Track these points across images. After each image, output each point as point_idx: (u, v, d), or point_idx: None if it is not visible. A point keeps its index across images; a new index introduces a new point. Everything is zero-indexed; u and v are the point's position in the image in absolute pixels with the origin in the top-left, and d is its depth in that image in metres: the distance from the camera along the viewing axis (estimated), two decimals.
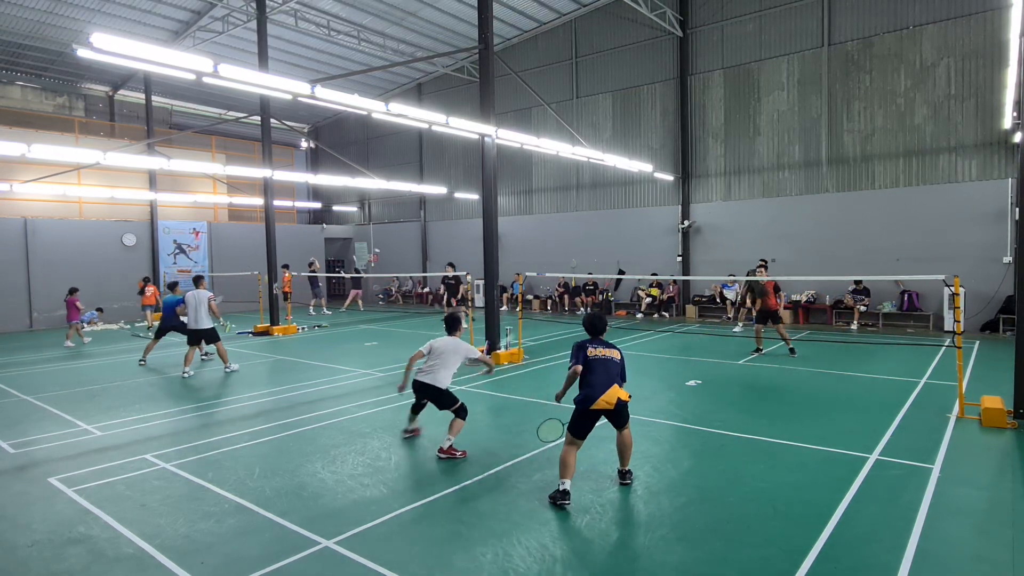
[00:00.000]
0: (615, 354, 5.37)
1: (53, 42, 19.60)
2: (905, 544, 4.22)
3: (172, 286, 12.74)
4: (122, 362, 12.69)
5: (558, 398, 5.56)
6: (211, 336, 11.32)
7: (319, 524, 4.71)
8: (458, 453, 6.26)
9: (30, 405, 8.93)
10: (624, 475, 5.49)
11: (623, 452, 5.49)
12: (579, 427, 5.18)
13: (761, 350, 12.08)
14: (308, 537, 4.51)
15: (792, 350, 11.69)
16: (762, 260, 12.31)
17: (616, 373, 5.31)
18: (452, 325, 6.80)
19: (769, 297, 11.92)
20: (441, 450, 6.27)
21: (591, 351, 5.31)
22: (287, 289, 20.32)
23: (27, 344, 15.72)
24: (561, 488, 5.01)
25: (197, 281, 11.77)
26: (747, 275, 12.98)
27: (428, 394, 6.51)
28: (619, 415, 5.30)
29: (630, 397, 5.39)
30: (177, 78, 18.09)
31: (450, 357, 6.54)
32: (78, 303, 15.04)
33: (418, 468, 6.04)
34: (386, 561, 4.15)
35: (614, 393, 5.19)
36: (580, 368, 5.25)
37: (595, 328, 5.52)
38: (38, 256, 19.30)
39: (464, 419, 6.46)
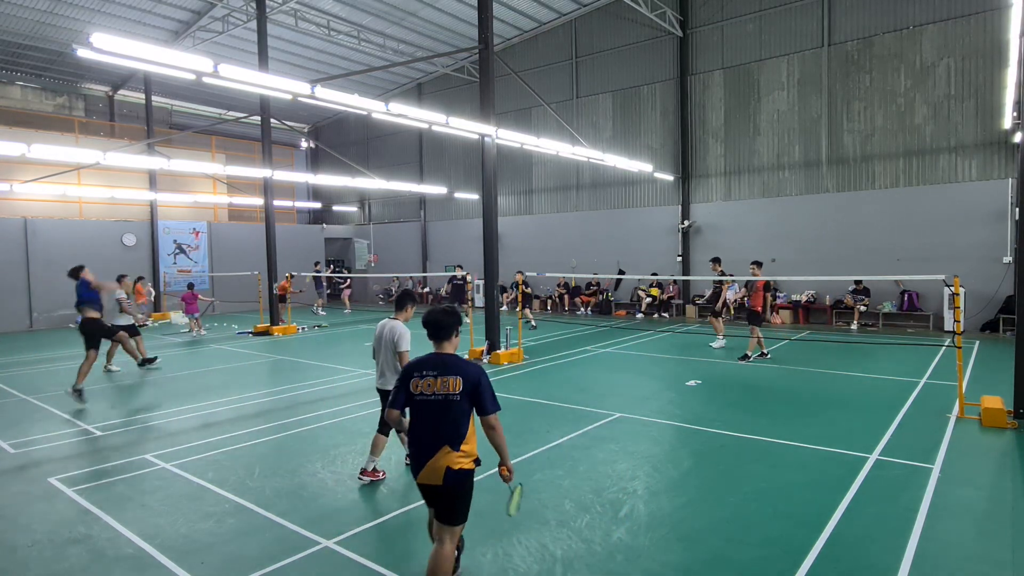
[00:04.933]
0: (453, 384, 3.33)
1: (53, 42, 19.59)
2: (905, 544, 4.22)
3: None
4: (121, 362, 12.68)
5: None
6: None
7: (319, 524, 4.71)
8: (380, 474, 5.61)
9: (30, 405, 8.92)
10: None
11: None
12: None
13: (765, 353, 11.74)
14: (308, 537, 4.51)
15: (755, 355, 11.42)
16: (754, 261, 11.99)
17: (452, 421, 3.32)
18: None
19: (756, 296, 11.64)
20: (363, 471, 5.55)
21: (415, 383, 3.39)
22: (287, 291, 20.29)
23: (27, 344, 15.71)
24: None
25: None
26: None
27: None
28: (447, 499, 3.35)
29: (477, 463, 3.45)
30: (177, 78, 18.18)
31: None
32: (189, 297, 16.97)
33: None
34: (386, 561, 4.15)
35: (442, 461, 3.30)
36: (397, 413, 3.50)
37: (433, 329, 3.50)
38: (38, 256, 19.29)
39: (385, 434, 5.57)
